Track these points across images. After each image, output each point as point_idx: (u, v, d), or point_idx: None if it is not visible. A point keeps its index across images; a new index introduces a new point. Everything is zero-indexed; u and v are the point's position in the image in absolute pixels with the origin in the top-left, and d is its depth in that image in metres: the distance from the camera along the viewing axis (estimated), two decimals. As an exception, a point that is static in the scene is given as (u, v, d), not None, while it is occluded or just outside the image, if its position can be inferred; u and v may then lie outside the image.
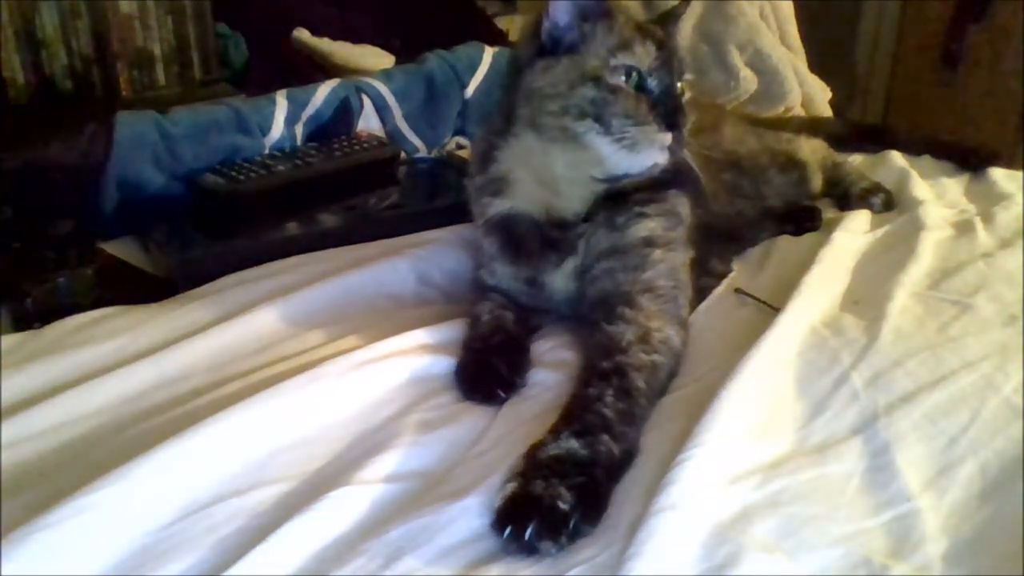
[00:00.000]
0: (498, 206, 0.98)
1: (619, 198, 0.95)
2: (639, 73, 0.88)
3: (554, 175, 0.94)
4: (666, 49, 0.91)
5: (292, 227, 1.21)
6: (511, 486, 0.68)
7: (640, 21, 0.94)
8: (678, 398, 0.85)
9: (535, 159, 0.94)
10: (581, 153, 0.90)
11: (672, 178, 0.97)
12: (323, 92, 1.43)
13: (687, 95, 0.94)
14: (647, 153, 0.89)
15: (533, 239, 0.96)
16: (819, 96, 1.97)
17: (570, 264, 0.96)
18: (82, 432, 0.78)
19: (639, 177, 0.93)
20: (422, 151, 1.52)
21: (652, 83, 0.89)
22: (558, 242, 0.96)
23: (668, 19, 0.98)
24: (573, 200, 0.95)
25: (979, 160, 1.54)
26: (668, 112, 0.88)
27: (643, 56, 0.89)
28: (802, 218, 1.29)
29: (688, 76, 0.95)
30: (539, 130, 0.92)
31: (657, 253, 0.95)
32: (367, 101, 1.47)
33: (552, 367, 0.91)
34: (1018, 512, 0.69)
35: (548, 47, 0.91)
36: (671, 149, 0.89)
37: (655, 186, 0.96)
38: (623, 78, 0.88)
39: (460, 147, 1.55)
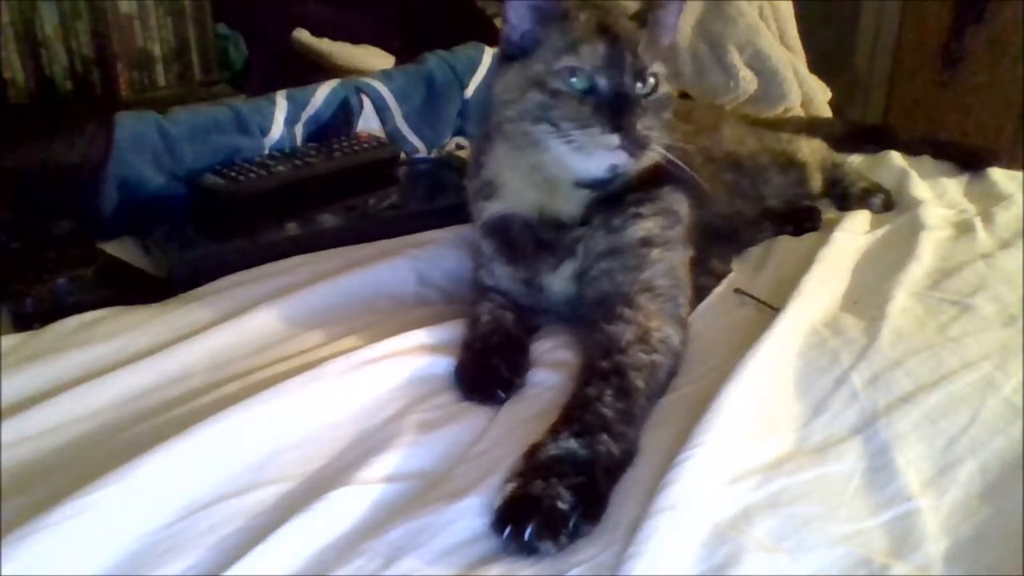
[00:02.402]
0: (491, 209, 0.98)
1: (615, 199, 0.95)
2: (585, 74, 0.86)
3: (543, 178, 0.93)
4: (618, 46, 0.87)
5: (292, 227, 1.21)
6: (511, 486, 0.68)
7: (603, 18, 0.90)
8: (678, 398, 0.85)
9: (511, 163, 0.94)
10: (544, 156, 0.89)
11: (665, 178, 0.96)
12: (323, 92, 1.43)
13: (664, 88, 0.90)
14: (599, 155, 0.87)
15: (527, 241, 0.96)
16: (819, 96, 1.97)
17: (568, 267, 0.96)
18: (82, 432, 0.78)
19: (604, 178, 0.91)
20: (422, 151, 1.52)
21: (601, 82, 0.87)
22: (553, 244, 0.95)
23: (649, 9, 0.93)
24: (567, 202, 0.94)
25: (979, 160, 1.53)
26: (614, 113, 0.85)
27: (588, 56, 0.86)
28: (802, 218, 1.29)
29: (658, 67, 0.89)
30: (505, 135, 0.92)
31: (655, 253, 0.95)
32: (367, 101, 1.47)
33: (552, 367, 0.91)
34: (1018, 512, 0.69)
35: (508, 52, 0.91)
36: (625, 149, 0.86)
37: (650, 186, 0.96)
38: (567, 80, 0.86)
39: (460, 147, 1.55)
